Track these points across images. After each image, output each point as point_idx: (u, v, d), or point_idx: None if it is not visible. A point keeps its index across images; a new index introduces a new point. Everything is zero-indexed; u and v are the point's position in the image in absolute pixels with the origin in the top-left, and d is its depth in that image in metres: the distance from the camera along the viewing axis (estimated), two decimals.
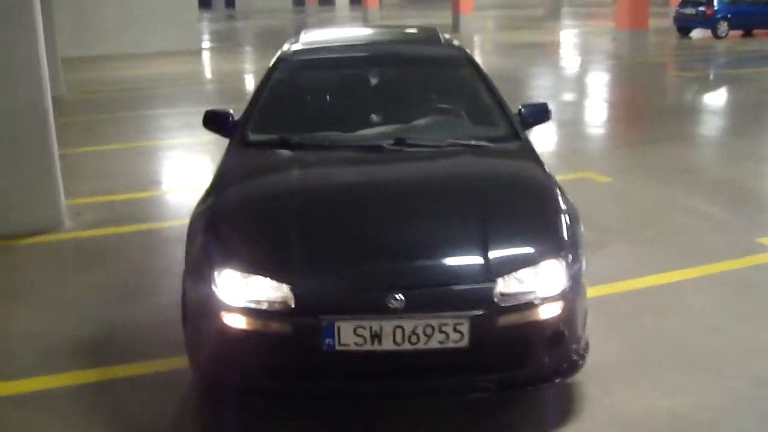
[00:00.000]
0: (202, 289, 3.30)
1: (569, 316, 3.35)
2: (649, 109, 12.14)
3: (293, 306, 3.14)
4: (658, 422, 3.45)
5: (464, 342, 3.13)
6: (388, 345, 3.11)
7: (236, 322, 3.21)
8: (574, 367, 3.44)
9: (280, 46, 5.12)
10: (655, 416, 3.49)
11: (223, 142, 4.49)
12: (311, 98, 4.79)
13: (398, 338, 3.10)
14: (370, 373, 3.23)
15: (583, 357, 3.47)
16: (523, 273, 3.27)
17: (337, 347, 3.11)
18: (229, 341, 3.26)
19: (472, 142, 4.20)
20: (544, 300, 3.26)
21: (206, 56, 21.28)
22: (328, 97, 4.82)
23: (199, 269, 3.40)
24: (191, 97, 13.56)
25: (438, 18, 27.71)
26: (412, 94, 4.84)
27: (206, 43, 23.68)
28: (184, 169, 8.26)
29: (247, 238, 3.45)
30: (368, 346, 3.11)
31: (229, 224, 3.54)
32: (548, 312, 3.27)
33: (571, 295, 3.35)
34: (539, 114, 4.64)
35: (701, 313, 4.49)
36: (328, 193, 3.75)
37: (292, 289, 3.16)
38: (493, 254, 3.29)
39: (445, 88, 4.86)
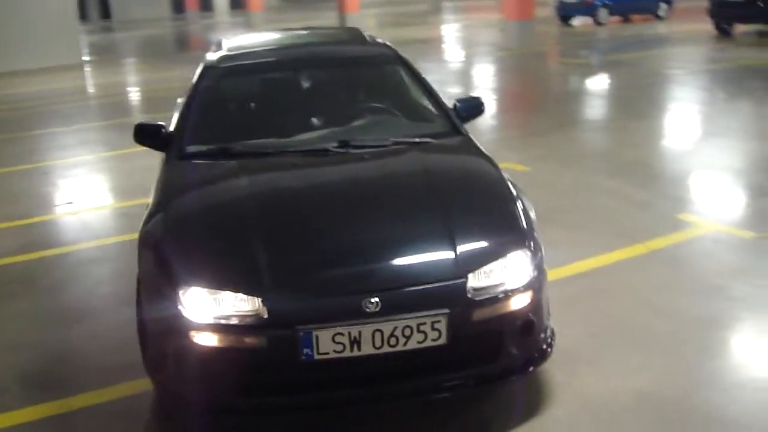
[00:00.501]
0: (165, 309, 3.17)
1: (537, 305, 3.39)
2: (547, 97, 12.48)
3: (267, 318, 3.05)
4: (627, 402, 3.53)
5: (442, 339, 3.12)
6: (367, 349, 3.07)
7: (207, 340, 3.10)
8: (543, 355, 3.48)
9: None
10: (623, 396, 3.57)
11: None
12: (245, 105, 4.69)
13: (377, 342, 3.06)
14: (350, 380, 3.18)
15: (550, 345, 3.51)
16: (491, 266, 3.29)
17: (316, 356, 3.04)
18: (200, 360, 3.14)
19: (417, 140, 4.18)
20: (514, 291, 3.28)
21: (91, 70, 20.52)
22: (261, 103, 4.73)
23: (159, 289, 3.26)
24: (84, 112, 13.10)
25: (323, 19, 27.78)
26: (347, 94, 4.80)
27: (88, 57, 22.83)
28: (93, 187, 7.94)
29: (209, 253, 3.33)
30: (347, 353, 3.06)
31: (188, 240, 3.41)
32: (518, 303, 3.30)
33: (537, 284, 3.39)
34: (474, 108, 4.67)
35: (643, 292, 4.62)
36: (284, 201, 3.66)
37: (264, 302, 3.07)
38: (462, 250, 3.29)
39: (378, 87, 4.85)
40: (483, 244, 3.38)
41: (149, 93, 14.76)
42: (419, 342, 3.10)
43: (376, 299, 3.07)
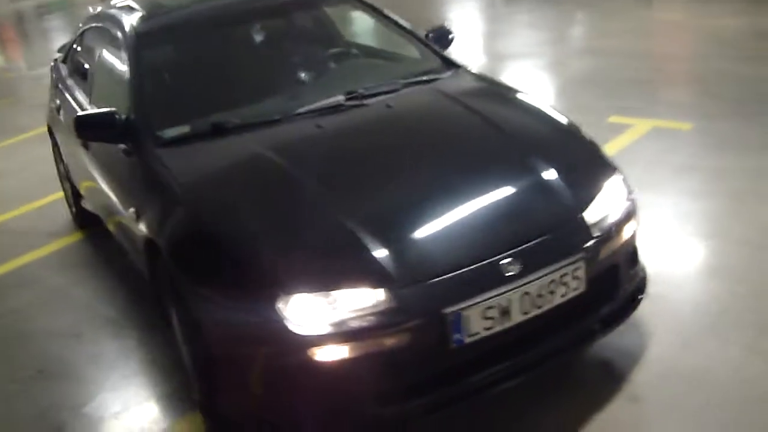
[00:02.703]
0: (259, 329, 2.54)
1: (635, 232, 3.11)
2: None
3: (401, 309, 2.52)
4: None
5: (582, 286, 2.76)
6: (516, 318, 2.63)
7: (331, 353, 2.51)
8: (645, 283, 3.21)
9: None
10: None
11: None
12: (202, 72, 3.90)
13: (526, 306, 2.64)
14: (500, 355, 2.72)
15: (646, 274, 3.25)
16: (599, 197, 2.95)
17: (466, 340, 2.57)
18: (327, 379, 2.55)
19: (424, 78, 3.71)
20: (623, 220, 2.97)
21: None
22: (220, 66, 3.95)
23: (238, 307, 2.61)
24: None
25: None
26: (311, 43, 4.20)
27: None
28: None
29: (299, 247, 2.69)
30: (498, 326, 2.61)
31: (265, 237, 2.74)
32: (628, 231, 3.00)
33: (634, 207, 3.10)
34: (445, 38, 4.22)
35: None
36: (350, 171, 3.04)
37: (393, 291, 2.53)
38: (569, 186, 2.92)
39: (342, 30, 4.27)
40: (583, 176, 3.03)
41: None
42: (562, 296, 2.72)
43: (515, 259, 2.63)
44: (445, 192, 2.89)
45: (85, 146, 4.09)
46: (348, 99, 3.48)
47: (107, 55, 4.34)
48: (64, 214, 5.58)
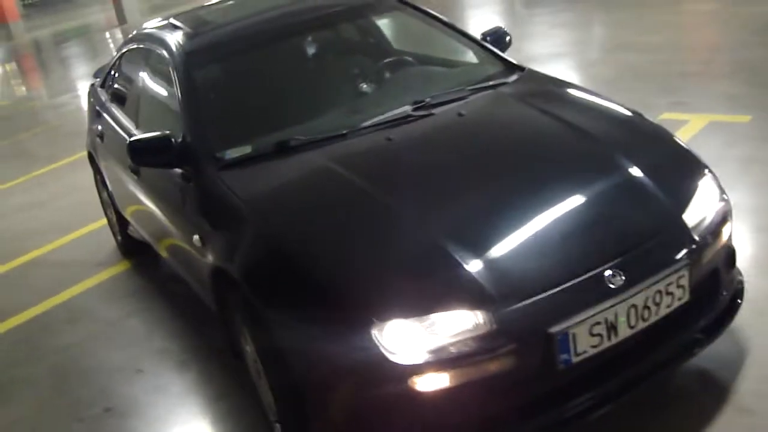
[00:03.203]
0: (352, 360, 2.38)
1: (731, 233, 2.92)
2: None
3: (504, 331, 2.35)
4: None
5: (686, 295, 2.58)
6: (623, 333, 2.46)
7: (432, 382, 2.35)
8: (742, 286, 3.02)
9: None
10: None
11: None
12: (256, 89, 3.75)
13: (632, 320, 2.46)
14: (606, 373, 2.54)
15: (743, 278, 3.06)
16: (696, 198, 2.77)
17: (574, 359, 2.39)
18: (429, 411, 2.38)
19: (491, 83, 3.55)
20: (719, 221, 2.80)
21: None
22: (273, 82, 3.80)
23: (327, 337, 2.45)
24: None
25: (94, 15, 25.35)
26: (364, 52, 4.04)
27: None
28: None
29: (390, 269, 2.52)
30: (605, 343, 2.44)
31: (352, 261, 2.57)
32: (726, 232, 2.82)
33: (729, 207, 2.91)
34: (503, 40, 4.05)
35: None
36: (433, 185, 2.86)
37: (494, 311, 2.35)
38: (666, 189, 2.75)
39: (394, 37, 4.11)
40: (677, 177, 2.87)
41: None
42: (668, 306, 2.54)
43: (619, 269, 2.45)
44: (534, 202, 2.72)
45: (135, 172, 3.95)
46: (415, 109, 3.32)
47: (152, 77, 4.22)
48: (107, 243, 5.45)
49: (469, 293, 2.39)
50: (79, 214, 6.33)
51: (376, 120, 3.28)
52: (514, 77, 3.64)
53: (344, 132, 3.23)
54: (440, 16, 4.06)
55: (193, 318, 4.14)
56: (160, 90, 4.07)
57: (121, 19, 20.63)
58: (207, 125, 3.43)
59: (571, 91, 3.59)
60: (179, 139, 3.38)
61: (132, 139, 3.41)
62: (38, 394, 3.87)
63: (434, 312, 2.36)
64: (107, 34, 19.78)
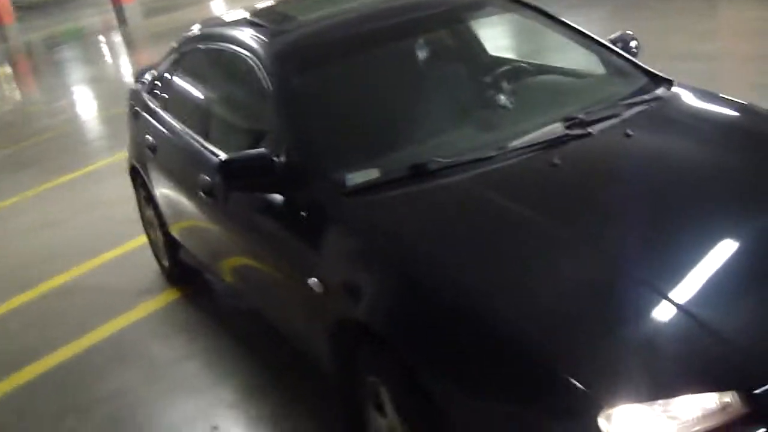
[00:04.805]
0: None
1: None
2: None
3: (759, 415, 1.82)
4: None
5: None
6: None
7: None
8: None
9: None
10: None
11: None
12: (368, 99, 3.17)
13: None
14: None
15: None
16: None
17: None
18: None
19: (645, 97, 3.01)
20: None
21: None
22: (391, 91, 3.22)
23: (536, 420, 1.90)
24: None
25: (90, 18, 24.64)
26: (476, 57, 3.49)
27: None
28: None
29: (614, 333, 1.96)
30: None
31: (558, 324, 2.00)
32: None
33: None
34: (629, 48, 3.51)
35: None
36: (638, 225, 2.30)
37: (748, 393, 1.82)
38: None
39: (517, 41, 3.57)
40: None
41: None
42: None
43: None
44: (755, 248, 2.19)
45: (208, 193, 3.36)
46: (568, 126, 2.77)
47: (228, 83, 3.65)
48: (147, 268, 4.85)
49: (719, 370, 1.87)
50: (105, 233, 5.71)
51: (526, 140, 2.72)
52: (663, 90, 3.10)
53: (492, 154, 2.67)
54: (563, 19, 3.52)
55: (273, 366, 3.56)
56: (243, 98, 3.50)
57: (122, 21, 20.05)
58: (317, 142, 2.86)
59: (740, 108, 3.06)
60: (282, 158, 2.81)
61: (225, 157, 2.83)
62: None
63: (676, 395, 1.83)
64: (101, 37, 19.23)
